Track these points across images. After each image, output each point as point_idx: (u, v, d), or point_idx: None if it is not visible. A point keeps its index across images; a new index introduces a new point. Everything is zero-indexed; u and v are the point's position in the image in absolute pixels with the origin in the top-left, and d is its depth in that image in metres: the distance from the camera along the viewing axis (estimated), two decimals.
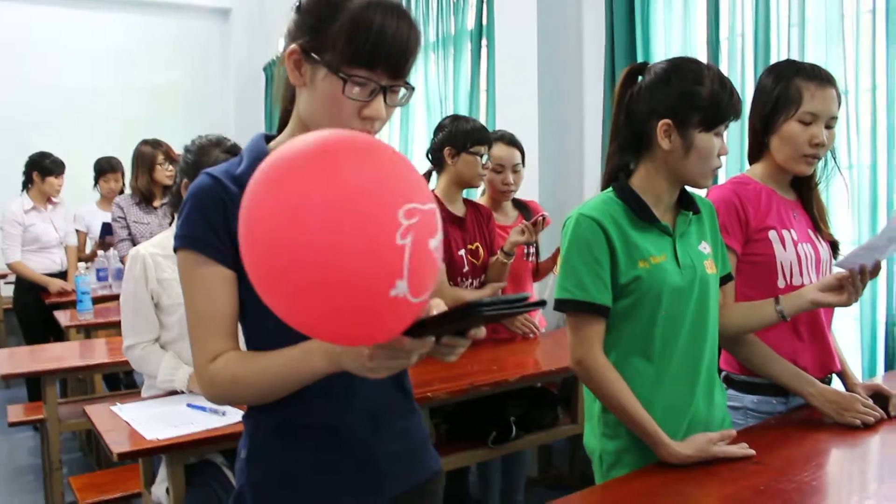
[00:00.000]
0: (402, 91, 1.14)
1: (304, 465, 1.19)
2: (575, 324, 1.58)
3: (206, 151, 2.25)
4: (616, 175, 1.64)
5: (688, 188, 1.66)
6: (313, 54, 1.09)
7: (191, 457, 2.04)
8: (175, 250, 1.15)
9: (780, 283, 1.81)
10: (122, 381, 4.53)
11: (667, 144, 1.56)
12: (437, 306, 1.02)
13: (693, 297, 1.59)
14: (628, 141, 1.63)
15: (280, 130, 1.25)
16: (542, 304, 0.95)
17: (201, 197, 1.13)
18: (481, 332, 0.99)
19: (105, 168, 4.98)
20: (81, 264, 3.95)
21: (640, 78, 1.63)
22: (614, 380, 1.55)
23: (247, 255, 0.87)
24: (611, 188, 1.63)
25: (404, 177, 0.86)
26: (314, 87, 1.11)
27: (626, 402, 1.53)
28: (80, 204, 5.18)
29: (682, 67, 1.57)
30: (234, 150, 2.27)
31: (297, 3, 1.13)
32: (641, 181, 1.62)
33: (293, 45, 1.11)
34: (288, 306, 0.87)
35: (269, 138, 1.23)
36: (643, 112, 1.59)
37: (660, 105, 1.56)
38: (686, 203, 1.65)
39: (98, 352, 3.29)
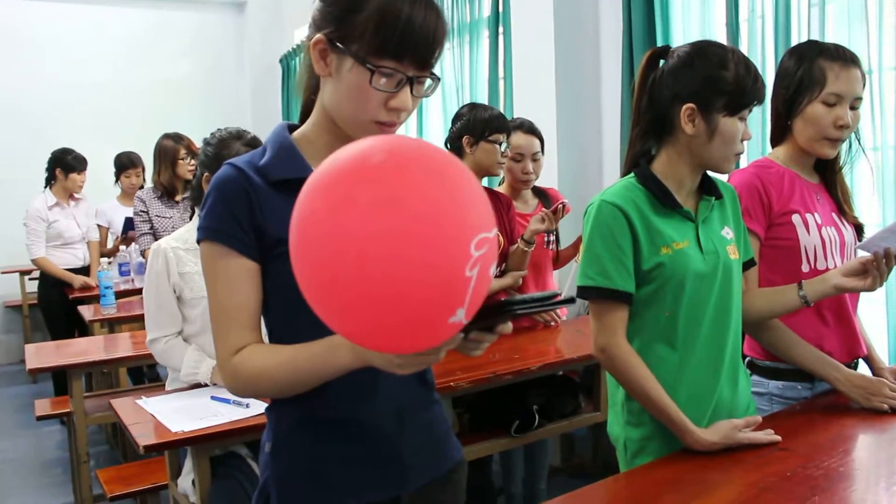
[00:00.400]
0: (428, 82, 1.13)
1: (328, 460, 1.19)
2: (598, 311, 1.57)
3: (227, 144, 2.26)
4: (638, 160, 1.63)
5: (710, 173, 1.65)
6: (340, 44, 1.08)
7: (216, 449, 2.06)
8: (198, 242, 1.15)
9: (804, 268, 1.80)
10: (146, 375, 4.58)
11: (690, 129, 1.55)
12: None
13: (716, 283, 1.58)
14: (651, 125, 1.62)
15: (302, 120, 1.24)
16: (571, 300, 0.95)
17: (225, 188, 1.13)
18: (508, 327, 0.99)
19: (126, 164, 5.02)
20: (104, 259, 3.98)
21: (662, 62, 1.62)
22: (638, 367, 1.54)
23: (305, 271, 0.85)
24: (632, 174, 1.62)
25: (477, 203, 0.85)
26: (340, 78, 1.10)
27: (650, 389, 1.53)
28: (97, 197, 5.23)
29: (705, 51, 1.55)
30: (254, 143, 2.28)
31: None
32: (663, 166, 1.61)
33: (318, 35, 1.10)
34: (340, 320, 0.86)
35: (291, 128, 1.23)
36: (666, 96, 1.58)
37: (683, 89, 1.55)
38: (708, 188, 1.64)
39: (122, 346, 3.32)
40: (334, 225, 0.80)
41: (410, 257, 0.78)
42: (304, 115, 1.24)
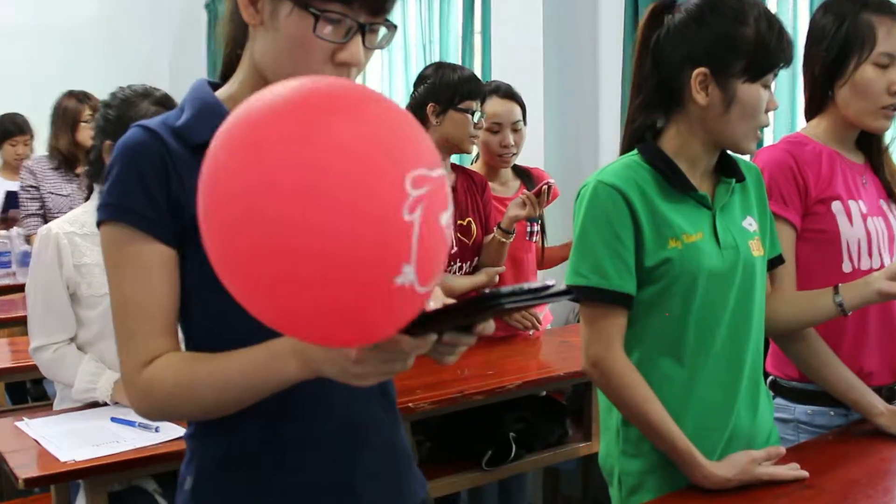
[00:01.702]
0: (383, 31, 1.13)
1: (264, 494, 1.18)
2: (591, 316, 1.58)
3: (132, 104, 2.26)
4: (641, 136, 1.64)
5: (729, 152, 1.66)
6: None
7: (115, 483, 2.03)
8: (98, 224, 1.13)
9: (846, 267, 1.82)
10: (30, 392, 4.51)
11: (703, 99, 1.56)
12: (435, 297, 1.01)
13: (735, 285, 1.59)
14: (655, 95, 1.63)
15: (224, 79, 1.23)
16: (568, 292, 0.94)
17: (134, 155, 1.11)
18: (490, 327, 1.00)
19: (10, 129, 4.93)
20: None
21: (667, 18, 1.63)
22: (638, 385, 1.55)
23: (208, 233, 0.85)
24: (635, 150, 1.63)
25: (409, 135, 0.85)
26: (275, 27, 1.09)
27: (651, 412, 1.54)
28: None
29: (719, 4, 1.57)
30: (165, 102, 2.28)
31: None
32: (672, 143, 1.62)
33: None
34: (261, 299, 0.85)
35: (213, 87, 1.22)
36: (673, 60, 1.59)
37: (694, 50, 1.56)
38: (728, 169, 1.65)
39: None
40: (238, 172, 0.81)
41: (330, 197, 0.78)
42: (226, 74, 1.24)
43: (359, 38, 1.10)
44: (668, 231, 1.56)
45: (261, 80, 1.14)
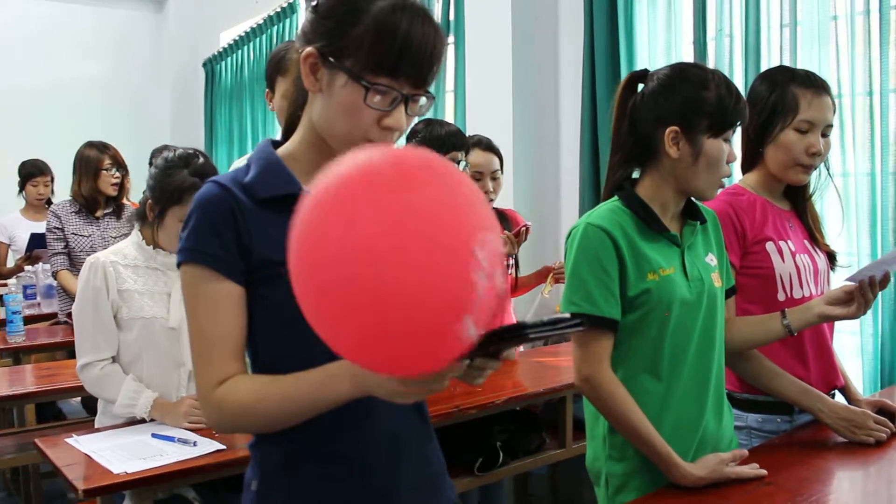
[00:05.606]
0: (423, 100, 1.18)
1: (319, 498, 1.22)
2: (582, 338, 1.64)
3: (171, 174, 2.30)
4: (620, 185, 1.72)
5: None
6: (333, 59, 1.12)
7: (159, 492, 2.05)
8: (178, 265, 1.17)
9: (780, 296, 1.92)
10: (48, 412, 4.44)
11: (675, 152, 1.64)
12: None
13: (701, 311, 1.67)
14: (632, 151, 1.71)
15: (285, 136, 1.28)
16: (580, 324, 1.00)
17: (209, 206, 1.16)
18: (512, 353, 1.05)
19: (33, 171, 4.90)
20: (10, 281, 3.89)
21: (641, 85, 1.72)
22: (624, 398, 1.61)
23: (302, 277, 0.89)
24: (616, 197, 1.71)
25: (476, 202, 0.89)
26: (331, 94, 1.14)
27: (636, 421, 1.60)
28: None
29: (686, 72, 1.67)
30: (202, 172, 2.30)
31: (315, 3, 1.15)
32: (647, 191, 1.70)
33: (310, 49, 1.14)
34: (340, 334, 0.90)
35: (275, 145, 1.27)
36: (648, 120, 1.67)
37: (666, 112, 1.65)
38: (692, 213, 1.74)
39: (29, 379, 3.22)
40: (333, 228, 0.85)
41: (409, 255, 0.82)
42: (288, 130, 1.28)
43: (402, 107, 1.15)
44: (646, 266, 1.63)
45: (318, 139, 1.20)
